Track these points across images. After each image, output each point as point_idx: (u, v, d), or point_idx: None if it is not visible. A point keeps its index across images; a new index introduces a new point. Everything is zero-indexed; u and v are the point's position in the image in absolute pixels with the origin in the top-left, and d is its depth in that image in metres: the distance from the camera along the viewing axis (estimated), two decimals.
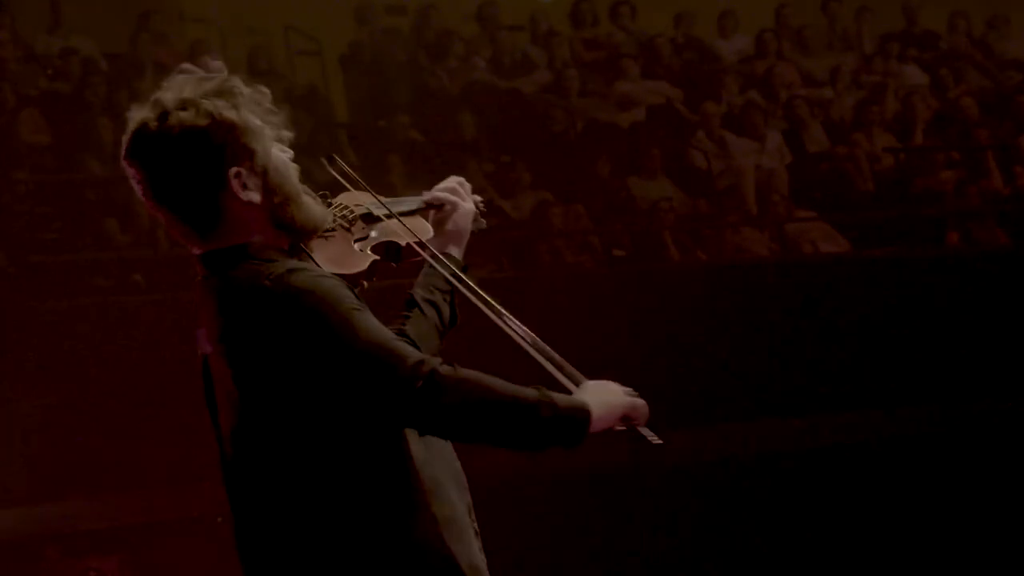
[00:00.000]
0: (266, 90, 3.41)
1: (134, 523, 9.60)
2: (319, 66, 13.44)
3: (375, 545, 3.25)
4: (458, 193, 3.88)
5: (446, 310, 3.79)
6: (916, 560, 10.67)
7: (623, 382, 3.33)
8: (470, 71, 13.17)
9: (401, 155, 11.75)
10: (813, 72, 13.76)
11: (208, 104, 3.31)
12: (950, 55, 14.12)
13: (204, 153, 3.30)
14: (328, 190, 3.64)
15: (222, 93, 3.34)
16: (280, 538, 3.29)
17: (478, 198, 3.97)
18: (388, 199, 3.70)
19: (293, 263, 3.32)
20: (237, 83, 3.36)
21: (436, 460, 3.40)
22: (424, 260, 3.73)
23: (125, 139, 3.35)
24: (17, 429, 9.37)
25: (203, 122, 3.30)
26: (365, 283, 3.55)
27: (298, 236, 3.41)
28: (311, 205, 3.42)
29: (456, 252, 3.83)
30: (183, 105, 3.31)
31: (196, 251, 3.39)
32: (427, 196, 3.84)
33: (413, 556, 3.27)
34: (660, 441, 3.36)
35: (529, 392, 3.25)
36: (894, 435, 11.02)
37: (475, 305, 3.58)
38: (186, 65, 3.42)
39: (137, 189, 3.37)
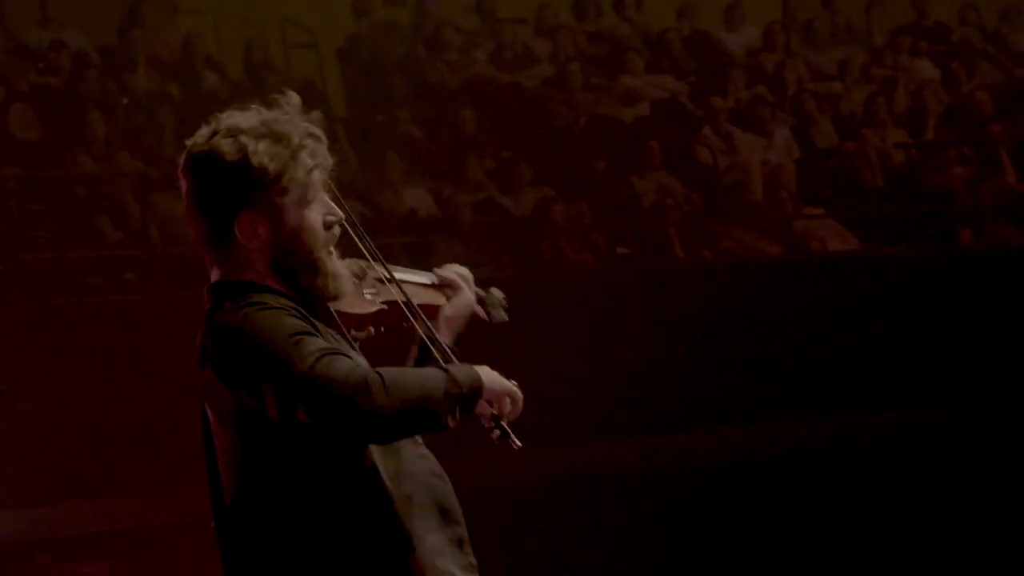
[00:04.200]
0: (326, 143, 3.45)
1: (126, 528, 9.56)
2: (316, 60, 13.45)
3: (350, 560, 3.36)
4: (466, 280, 3.85)
5: None
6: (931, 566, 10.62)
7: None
8: (470, 65, 13.18)
9: (400, 151, 11.72)
10: (822, 66, 13.80)
11: (249, 142, 3.38)
12: (962, 48, 14.13)
13: (224, 185, 3.39)
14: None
15: (278, 137, 3.39)
16: (260, 560, 3.42)
17: (500, 294, 3.93)
18: (397, 268, 3.75)
19: (257, 298, 3.40)
20: (307, 131, 3.42)
21: (407, 480, 3.46)
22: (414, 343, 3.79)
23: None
24: (7, 431, 9.30)
25: (233, 157, 3.37)
26: (371, 330, 3.65)
27: (307, 294, 3.47)
28: (335, 275, 3.47)
29: (448, 339, 3.79)
30: (230, 133, 3.39)
31: (211, 277, 3.49)
32: (434, 276, 3.87)
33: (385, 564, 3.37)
34: (520, 445, 3.46)
35: (437, 381, 3.35)
36: (905, 436, 10.97)
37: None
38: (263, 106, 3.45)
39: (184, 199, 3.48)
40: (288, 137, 3.39)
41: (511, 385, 3.48)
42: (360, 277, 3.65)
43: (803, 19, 14.17)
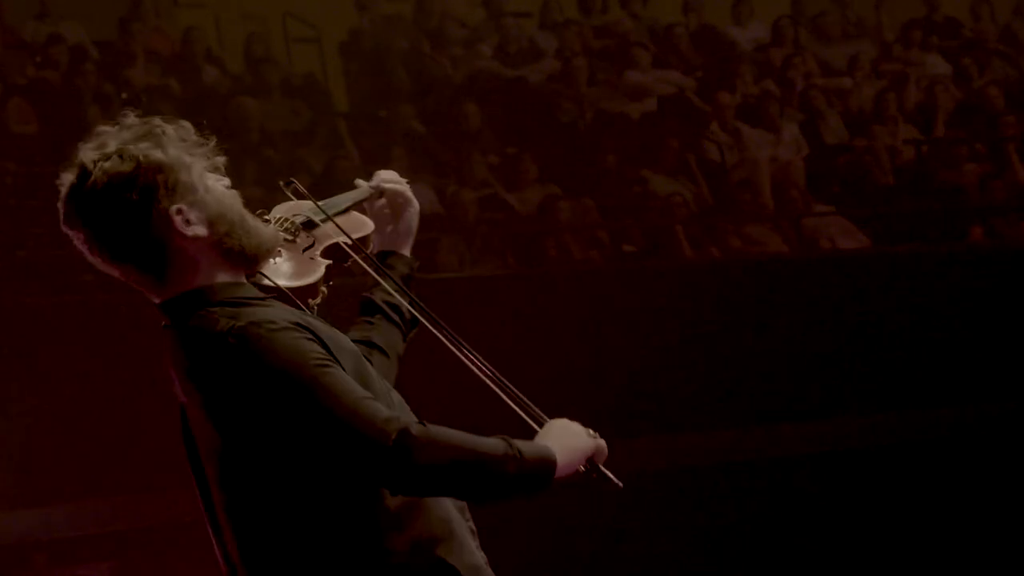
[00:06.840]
0: (187, 124, 3.45)
1: (125, 529, 9.56)
2: (318, 54, 13.51)
3: (368, 567, 3.33)
4: (405, 186, 3.91)
5: (407, 310, 3.83)
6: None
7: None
8: (475, 59, 13.16)
9: (403, 146, 11.69)
10: (831, 61, 13.77)
11: (131, 149, 3.35)
12: (974, 44, 14.11)
13: (137, 197, 3.33)
14: (265, 207, 3.67)
15: (143, 137, 3.38)
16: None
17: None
18: (328, 200, 3.74)
19: (254, 312, 3.35)
20: (157, 123, 3.41)
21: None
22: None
23: (59, 206, 3.39)
24: (3, 431, 9.27)
25: (128, 167, 3.33)
26: (324, 289, 3.60)
27: (251, 263, 3.44)
28: (259, 229, 3.45)
29: (406, 250, 3.91)
30: (105, 157, 3.34)
31: (156, 300, 3.43)
32: (374, 182, 3.85)
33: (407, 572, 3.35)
34: (620, 484, 3.45)
35: (496, 447, 3.29)
36: (912, 437, 10.92)
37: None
38: (102, 127, 3.43)
39: (83, 251, 3.41)
40: (150, 132, 3.37)
41: (591, 442, 3.44)
42: (294, 236, 3.60)
43: (812, 13, 14.15)
